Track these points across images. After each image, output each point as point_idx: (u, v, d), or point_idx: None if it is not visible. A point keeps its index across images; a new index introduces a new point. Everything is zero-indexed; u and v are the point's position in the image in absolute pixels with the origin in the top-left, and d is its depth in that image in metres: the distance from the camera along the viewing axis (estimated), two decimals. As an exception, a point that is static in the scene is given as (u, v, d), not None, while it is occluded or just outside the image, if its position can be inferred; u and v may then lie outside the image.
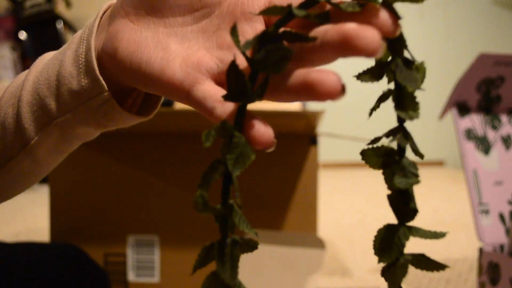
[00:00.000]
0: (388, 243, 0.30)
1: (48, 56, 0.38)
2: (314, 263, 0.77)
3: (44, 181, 2.40)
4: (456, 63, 3.65)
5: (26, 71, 0.38)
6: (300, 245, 0.76)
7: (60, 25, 2.46)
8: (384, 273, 0.31)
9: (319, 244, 0.88)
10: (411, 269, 1.17)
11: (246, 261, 0.70)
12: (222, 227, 0.29)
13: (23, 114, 0.35)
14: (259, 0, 0.30)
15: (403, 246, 0.30)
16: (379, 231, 0.31)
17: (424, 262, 0.30)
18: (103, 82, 0.34)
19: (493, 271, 0.76)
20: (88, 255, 0.65)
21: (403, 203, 0.30)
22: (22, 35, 2.44)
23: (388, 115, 3.09)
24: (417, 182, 0.30)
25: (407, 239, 0.30)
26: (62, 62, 0.35)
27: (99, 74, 0.34)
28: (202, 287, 0.27)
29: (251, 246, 0.29)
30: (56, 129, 0.36)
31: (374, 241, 0.31)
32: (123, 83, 0.34)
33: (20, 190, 0.40)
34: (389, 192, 0.31)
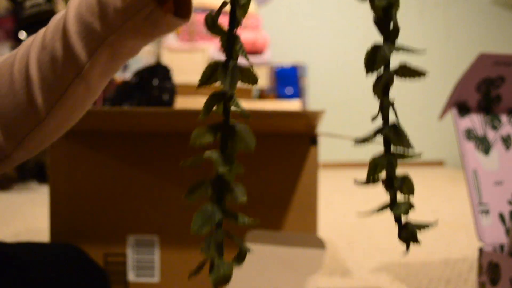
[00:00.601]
0: (375, 57, 0.38)
1: None
2: (314, 263, 0.77)
3: (44, 181, 2.40)
4: (456, 63, 3.65)
5: (62, 12, 0.42)
6: (300, 245, 0.76)
7: (60, 25, 2.46)
8: (375, 118, 0.39)
9: (319, 244, 0.88)
10: (411, 269, 1.17)
11: (246, 261, 0.70)
12: (227, 50, 0.38)
13: (72, 43, 0.39)
14: None
15: (388, 59, 0.38)
16: (368, 50, 0.39)
17: (406, 70, 0.36)
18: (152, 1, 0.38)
19: (493, 271, 0.76)
20: (88, 255, 0.65)
21: (386, 23, 0.39)
22: (22, 35, 2.44)
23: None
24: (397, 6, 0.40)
25: (391, 52, 0.38)
26: None
27: None
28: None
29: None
30: (107, 49, 0.39)
31: (364, 59, 0.38)
32: None
33: (75, 119, 0.44)
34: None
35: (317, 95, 3.48)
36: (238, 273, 0.63)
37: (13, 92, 0.41)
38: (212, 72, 0.37)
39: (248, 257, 0.61)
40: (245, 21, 2.60)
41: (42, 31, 0.42)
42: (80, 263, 0.62)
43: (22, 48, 0.42)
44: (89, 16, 0.39)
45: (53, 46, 0.40)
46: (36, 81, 0.40)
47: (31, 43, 0.41)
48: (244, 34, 2.51)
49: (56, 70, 0.40)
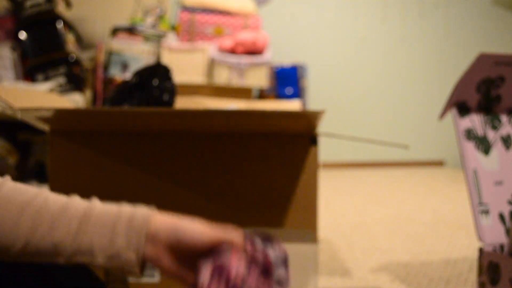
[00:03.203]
0: None
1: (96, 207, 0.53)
2: (308, 258, 0.76)
3: (44, 181, 2.40)
4: (456, 63, 3.65)
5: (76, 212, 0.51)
6: (294, 241, 0.76)
7: (60, 25, 2.46)
8: None
9: (312, 239, 0.88)
10: (411, 269, 1.17)
11: None
12: None
13: (65, 244, 0.48)
14: None
15: None
16: None
17: None
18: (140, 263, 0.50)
19: (493, 271, 0.76)
20: (89, 267, 0.64)
21: None
22: (22, 35, 2.44)
23: (388, 115, 3.10)
24: None
25: None
26: (114, 230, 0.51)
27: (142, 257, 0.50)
28: None
29: None
30: (88, 256, 0.50)
31: None
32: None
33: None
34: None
35: (317, 95, 3.48)
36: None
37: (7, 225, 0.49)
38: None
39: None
40: (245, 21, 2.60)
41: (55, 196, 0.51)
42: (80, 273, 0.62)
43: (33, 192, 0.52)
44: (97, 242, 0.50)
45: (67, 231, 0.49)
46: (30, 231, 0.48)
47: (46, 198, 0.51)
48: (244, 34, 2.50)
49: (50, 237, 0.49)
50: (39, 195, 0.51)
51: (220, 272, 0.49)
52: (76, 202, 0.51)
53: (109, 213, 0.52)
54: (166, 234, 0.51)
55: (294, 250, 0.84)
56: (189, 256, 0.51)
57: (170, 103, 1.09)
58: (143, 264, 0.52)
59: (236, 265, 0.49)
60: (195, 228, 0.52)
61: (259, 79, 2.47)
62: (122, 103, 1.07)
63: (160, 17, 2.68)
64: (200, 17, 2.57)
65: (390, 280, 1.09)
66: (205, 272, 0.49)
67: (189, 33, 2.58)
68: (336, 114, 3.52)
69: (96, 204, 0.52)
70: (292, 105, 2.54)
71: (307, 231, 0.88)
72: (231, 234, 0.52)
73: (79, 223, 0.49)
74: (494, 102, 0.88)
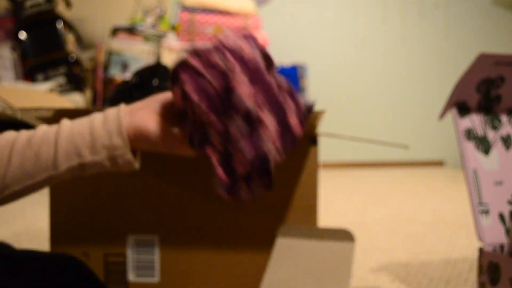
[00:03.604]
0: None
1: (68, 121, 0.53)
2: (344, 255, 0.76)
3: (44, 181, 2.40)
4: (456, 63, 3.65)
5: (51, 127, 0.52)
6: (330, 239, 0.75)
7: (60, 25, 2.46)
8: None
9: (349, 237, 0.88)
10: (411, 269, 1.17)
11: (280, 255, 0.70)
12: None
13: (59, 154, 0.50)
14: None
15: None
16: None
17: None
18: (129, 143, 0.52)
19: (493, 271, 0.76)
20: (89, 268, 0.64)
21: None
22: (22, 35, 2.44)
23: (388, 115, 3.10)
24: None
25: None
26: (92, 127, 0.52)
27: (127, 138, 0.53)
28: None
29: None
30: (81, 169, 0.51)
31: None
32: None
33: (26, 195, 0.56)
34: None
35: (317, 95, 3.48)
36: (272, 266, 0.63)
37: None
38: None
39: (282, 251, 0.62)
40: (245, 21, 2.60)
41: (27, 132, 0.52)
42: (80, 276, 0.62)
43: (5, 136, 0.51)
44: (80, 141, 0.50)
45: (39, 148, 0.50)
46: (14, 167, 0.50)
47: (17, 135, 0.51)
48: (244, 34, 2.50)
49: (35, 167, 0.50)
50: (9, 139, 0.52)
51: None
52: (43, 127, 0.53)
53: (81, 120, 0.53)
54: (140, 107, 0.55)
55: (331, 247, 0.84)
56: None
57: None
58: (135, 148, 0.54)
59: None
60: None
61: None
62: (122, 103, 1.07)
63: (160, 17, 2.68)
64: (200, 17, 2.56)
65: (390, 280, 1.09)
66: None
67: (189, 33, 2.58)
68: (336, 114, 3.52)
69: (65, 121, 0.54)
70: (292, 105, 2.53)
71: (342, 229, 0.88)
72: None
73: (56, 140, 0.51)
74: (494, 102, 0.88)
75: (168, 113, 0.54)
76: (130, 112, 0.53)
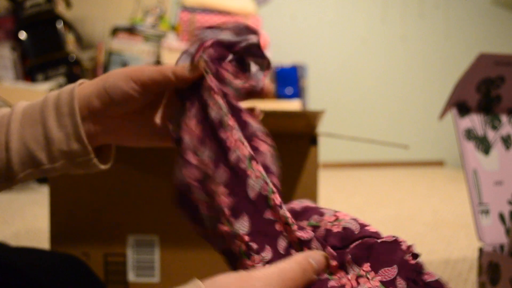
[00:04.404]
0: None
1: (21, 107, 0.45)
2: None
3: (44, 181, 2.40)
4: (456, 63, 3.65)
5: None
6: None
7: (60, 25, 2.46)
8: None
9: None
10: (411, 269, 1.17)
11: None
12: None
13: (12, 160, 0.43)
14: None
15: None
16: None
17: None
18: (90, 148, 0.44)
19: (493, 271, 0.76)
20: (89, 267, 0.64)
21: None
22: (22, 35, 2.44)
23: (388, 115, 3.10)
24: None
25: None
26: (45, 125, 0.43)
27: (86, 142, 0.44)
28: None
29: None
30: (38, 171, 0.44)
31: None
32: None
33: None
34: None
35: (317, 95, 3.48)
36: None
37: None
38: None
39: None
40: (245, 21, 2.60)
41: None
42: (80, 275, 0.62)
43: None
44: (34, 145, 0.43)
45: None
46: None
47: None
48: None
49: None
50: None
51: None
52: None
53: (33, 109, 0.45)
54: (98, 96, 0.44)
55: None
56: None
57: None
58: (103, 148, 0.48)
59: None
60: (123, 74, 0.44)
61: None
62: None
63: (160, 17, 2.68)
64: (200, 17, 2.57)
65: (390, 280, 1.09)
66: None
67: (189, 33, 2.58)
68: (336, 114, 3.52)
69: (17, 107, 0.45)
70: (292, 105, 2.53)
71: None
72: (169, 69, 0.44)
73: (6, 143, 0.43)
74: (494, 102, 0.88)
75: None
76: (88, 109, 0.45)
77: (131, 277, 0.87)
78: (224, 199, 0.38)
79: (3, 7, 2.53)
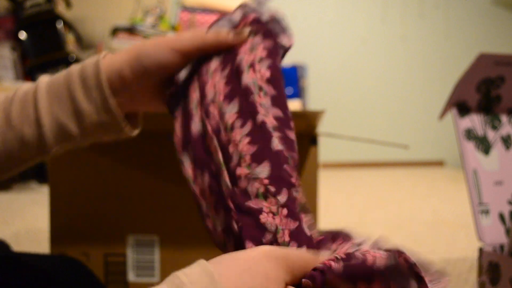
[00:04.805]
0: None
1: (44, 82, 0.45)
2: None
3: (44, 181, 2.40)
4: (456, 63, 3.65)
5: (26, 89, 0.45)
6: None
7: (60, 25, 2.46)
8: None
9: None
10: (411, 269, 1.17)
11: None
12: None
13: (45, 136, 0.44)
14: None
15: None
16: None
17: None
18: (121, 118, 0.45)
19: (493, 271, 0.76)
20: (89, 269, 0.64)
21: None
22: (22, 35, 2.44)
23: (388, 115, 3.10)
24: None
25: None
26: (74, 99, 0.44)
27: (117, 113, 0.44)
28: None
29: None
30: (72, 142, 0.46)
31: None
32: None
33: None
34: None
35: (317, 95, 3.48)
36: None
37: None
38: None
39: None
40: (245, 21, 2.60)
41: (1, 101, 0.45)
42: (80, 276, 0.61)
43: None
44: (65, 119, 0.44)
45: (22, 130, 0.44)
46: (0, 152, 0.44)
47: None
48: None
49: (22, 149, 0.45)
50: None
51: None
52: (23, 89, 0.46)
53: (58, 84, 0.45)
54: (130, 67, 0.44)
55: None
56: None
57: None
58: (131, 115, 0.48)
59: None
60: (160, 45, 0.44)
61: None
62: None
63: (160, 17, 2.68)
64: (200, 17, 2.56)
65: (390, 280, 1.09)
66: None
67: (189, 33, 2.58)
68: (336, 114, 3.52)
69: (40, 83, 0.46)
70: (292, 105, 2.53)
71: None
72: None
73: (37, 120, 0.44)
74: (494, 102, 0.88)
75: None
76: (120, 79, 0.45)
77: (131, 277, 0.87)
78: (247, 147, 0.40)
79: (3, 7, 2.53)
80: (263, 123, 0.41)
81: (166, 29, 2.63)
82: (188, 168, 0.43)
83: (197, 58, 0.45)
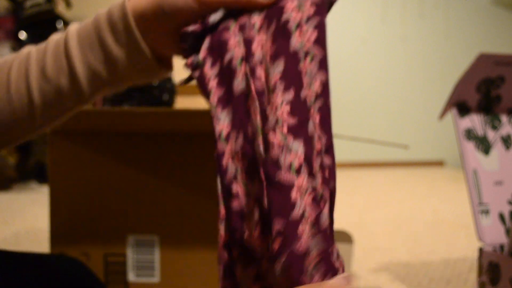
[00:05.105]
0: None
1: (74, 30, 0.46)
2: (343, 257, 0.77)
3: (44, 181, 2.40)
4: (456, 63, 3.65)
5: (57, 40, 0.46)
6: None
7: (60, 25, 2.46)
8: None
9: (347, 238, 0.88)
10: (411, 269, 1.17)
11: None
12: None
13: (80, 84, 0.45)
14: None
15: None
16: None
17: None
18: (153, 59, 0.45)
19: (493, 271, 0.76)
20: (89, 269, 0.64)
21: None
22: (22, 35, 2.44)
23: (388, 115, 3.10)
24: None
25: None
26: (104, 44, 0.45)
27: (148, 54, 0.45)
28: None
29: None
30: (108, 88, 0.47)
31: None
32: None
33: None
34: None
35: (317, 95, 3.48)
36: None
37: (11, 108, 0.46)
38: None
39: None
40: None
41: (34, 55, 0.46)
42: (80, 276, 0.61)
43: (14, 66, 0.46)
44: (98, 66, 0.45)
45: (58, 81, 0.45)
46: (39, 105, 0.46)
47: (26, 68, 0.46)
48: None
49: (60, 99, 0.46)
50: (18, 55, 0.47)
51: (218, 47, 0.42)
52: (53, 39, 0.47)
53: (87, 31, 0.46)
54: (152, 10, 0.44)
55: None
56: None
57: (170, 103, 1.09)
58: (160, 57, 0.47)
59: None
60: None
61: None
62: (122, 103, 1.07)
63: (160, 17, 2.68)
64: (200, 17, 2.56)
65: (390, 280, 1.09)
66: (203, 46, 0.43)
67: (189, 33, 2.58)
68: (336, 114, 3.52)
69: (70, 31, 0.46)
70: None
71: (342, 231, 0.88)
72: None
73: (70, 67, 0.45)
74: (494, 102, 0.88)
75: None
76: (144, 22, 0.45)
77: (131, 277, 0.87)
78: (286, 115, 0.39)
79: (3, 7, 2.53)
80: (306, 98, 0.40)
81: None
82: (223, 125, 0.40)
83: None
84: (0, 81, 0.46)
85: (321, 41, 0.42)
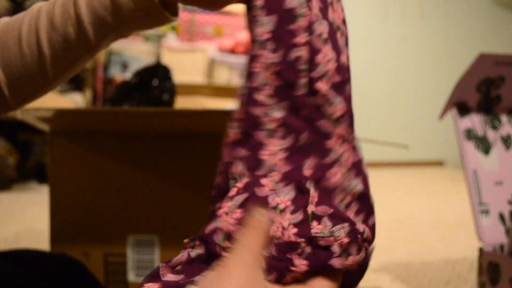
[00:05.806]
0: None
1: None
2: None
3: (44, 181, 2.40)
4: (456, 63, 3.65)
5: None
6: None
7: (60, 25, 2.46)
8: None
9: None
10: (411, 268, 1.17)
11: None
12: None
13: (86, 31, 0.46)
14: None
15: None
16: None
17: None
18: (158, 2, 0.45)
19: (493, 271, 0.76)
20: (88, 269, 0.64)
21: None
22: (22, 35, 2.44)
23: (387, 115, 3.10)
24: None
25: None
26: None
27: None
28: None
29: None
30: (114, 35, 0.47)
31: None
32: None
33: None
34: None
35: (317, 95, 3.48)
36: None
37: (23, 62, 0.47)
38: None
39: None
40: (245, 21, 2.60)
41: (44, 8, 0.47)
42: (78, 276, 0.61)
43: (25, 21, 0.47)
44: (103, 11, 0.45)
45: (65, 30, 0.46)
46: (49, 56, 0.47)
47: (36, 20, 0.47)
48: (244, 34, 2.51)
49: (69, 49, 0.47)
50: (29, 11, 0.48)
51: None
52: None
53: None
54: None
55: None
56: None
57: (170, 103, 1.09)
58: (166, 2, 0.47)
59: None
60: None
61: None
62: (122, 103, 1.07)
63: (160, 17, 2.68)
64: (200, 17, 2.57)
65: (390, 280, 1.09)
66: None
67: (189, 33, 2.58)
68: (336, 114, 3.52)
69: None
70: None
71: None
72: None
73: (77, 18, 0.46)
74: (494, 102, 0.88)
75: None
76: None
77: (131, 277, 0.87)
78: (333, 71, 0.41)
79: (3, 7, 2.53)
80: (343, 64, 0.42)
81: (165, 29, 2.63)
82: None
83: None
84: (12, 36, 0.47)
85: (345, 23, 0.44)
